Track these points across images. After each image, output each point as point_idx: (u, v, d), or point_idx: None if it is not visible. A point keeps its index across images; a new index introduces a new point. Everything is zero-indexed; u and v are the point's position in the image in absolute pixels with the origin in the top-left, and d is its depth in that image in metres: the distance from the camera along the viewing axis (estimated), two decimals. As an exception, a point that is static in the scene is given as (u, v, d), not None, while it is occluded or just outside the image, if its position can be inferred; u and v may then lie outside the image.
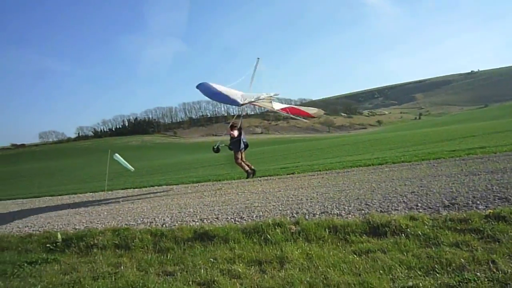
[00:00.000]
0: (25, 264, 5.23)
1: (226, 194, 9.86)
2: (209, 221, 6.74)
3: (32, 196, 17.30)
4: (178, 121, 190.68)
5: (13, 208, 13.63)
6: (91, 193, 15.64)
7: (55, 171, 48.63)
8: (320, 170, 12.65)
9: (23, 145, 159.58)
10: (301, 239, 4.84)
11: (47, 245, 6.21)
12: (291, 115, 13.86)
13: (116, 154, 13.31)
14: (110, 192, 15.27)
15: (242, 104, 10.83)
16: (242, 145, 11.93)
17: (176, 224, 6.73)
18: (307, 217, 5.93)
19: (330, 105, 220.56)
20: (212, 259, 4.51)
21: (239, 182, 12.39)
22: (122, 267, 4.63)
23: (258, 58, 12.70)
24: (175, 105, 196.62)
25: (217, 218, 6.89)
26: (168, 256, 4.89)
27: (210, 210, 7.76)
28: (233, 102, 10.89)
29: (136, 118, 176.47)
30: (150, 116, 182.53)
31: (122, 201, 11.67)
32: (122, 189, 15.83)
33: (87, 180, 27.13)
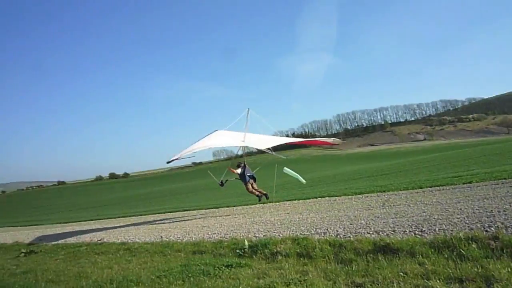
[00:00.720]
0: (223, 267, 5.95)
1: (396, 206, 9.39)
2: (385, 233, 6.51)
3: (212, 207, 19.61)
4: (333, 133, 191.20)
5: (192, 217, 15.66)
6: (261, 205, 16.88)
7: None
8: (505, 178, 10.95)
9: (200, 163, 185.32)
10: (505, 256, 4.24)
11: (237, 250, 6.95)
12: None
13: (286, 168, 14.09)
14: (277, 203, 16.21)
15: (173, 160, 13.35)
16: (247, 178, 14.53)
17: (351, 236, 6.70)
18: (505, 231, 5.18)
19: (507, 103, 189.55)
20: (401, 273, 4.33)
21: (407, 193, 11.70)
22: (310, 275, 4.85)
23: (248, 109, 15.22)
24: (330, 117, 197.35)
25: (393, 231, 6.60)
26: (353, 267, 4.90)
27: (383, 222, 7.49)
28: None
29: (294, 133, 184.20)
30: (307, 130, 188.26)
31: (290, 212, 12.26)
32: (287, 200, 16.64)
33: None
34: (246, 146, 15.37)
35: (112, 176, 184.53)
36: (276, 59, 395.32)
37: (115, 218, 23.25)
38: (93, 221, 23.81)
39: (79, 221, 25.42)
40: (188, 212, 19.11)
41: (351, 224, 7.95)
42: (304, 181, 14.13)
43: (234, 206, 18.00)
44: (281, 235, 7.87)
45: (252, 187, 14.69)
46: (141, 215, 22.40)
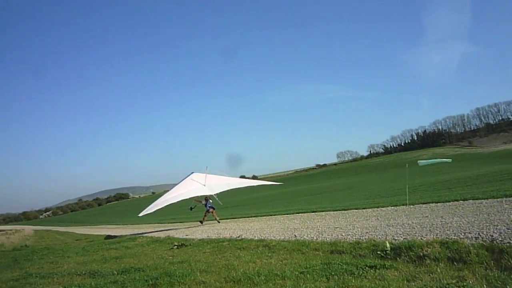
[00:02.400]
0: (366, 267, 5.89)
1: None
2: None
3: (340, 209, 19.41)
4: (472, 129, 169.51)
5: (317, 218, 15.66)
6: (392, 207, 16.10)
7: (350, 187, 53.17)
8: None
9: (325, 165, 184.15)
10: None
11: (378, 252, 6.78)
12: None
13: (420, 161, 13.38)
14: (411, 206, 15.27)
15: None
16: (208, 208, 21.72)
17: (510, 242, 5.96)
18: None
19: None
20: None
21: None
22: (468, 281, 4.49)
23: (207, 167, 22.93)
24: (467, 112, 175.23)
25: None
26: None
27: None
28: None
29: (425, 131, 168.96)
30: (440, 127, 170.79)
31: (429, 215, 11.43)
32: (422, 203, 15.54)
33: (382, 195, 28.09)
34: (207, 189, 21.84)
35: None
36: (399, 53, 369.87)
37: (247, 217, 24.71)
38: (228, 219, 25.71)
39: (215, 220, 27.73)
40: (315, 213, 19.24)
41: (508, 229, 7.06)
42: (449, 160, 13.24)
43: (364, 208, 17.52)
44: (424, 238, 7.41)
45: (208, 213, 21.93)
46: (270, 215, 23.35)
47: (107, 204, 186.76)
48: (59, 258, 13.85)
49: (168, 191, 22.87)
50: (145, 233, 23.62)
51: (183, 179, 22.88)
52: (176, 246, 12.49)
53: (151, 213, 21.59)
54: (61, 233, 49.44)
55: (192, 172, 23.06)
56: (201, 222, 22.04)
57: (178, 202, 21.61)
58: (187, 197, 21.34)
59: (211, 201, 21.60)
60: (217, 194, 21.98)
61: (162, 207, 21.44)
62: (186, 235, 16.55)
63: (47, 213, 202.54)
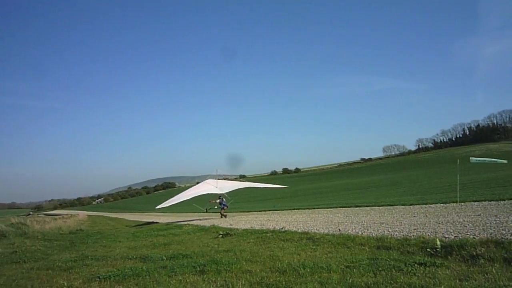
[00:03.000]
0: (415, 264, 5.75)
1: None
2: None
3: (386, 204, 18.97)
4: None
5: (366, 214, 15.37)
6: (441, 204, 15.52)
7: (397, 182, 51.58)
8: None
9: (370, 159, 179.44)
10: None
11: (427, 249, 6.60)
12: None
13: (472, 158, 12.83)
14: (462, 203, 14.63)
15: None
16: (222, 206, 24.86)
17: None
18: None
19: None
20: None
21: None
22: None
23: (217, 169, 29.64)
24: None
25: None
26: None
27: None
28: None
29: (478, 125, 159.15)
30: (495, 121, 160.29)
31: (482, 213, 10.93)
32: (474, 201, 14.85)
33: (430, 191, 27.07)
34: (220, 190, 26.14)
35: (285, 171, 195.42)
36: (452, 42, 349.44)
37: (290, 209, 24.79)
38: (271, 211, 25.94)
39: (259, 211, 28.08)
40: (360, 208, 18.94)
41: None
42: (505, 161, 12.63)
43: (411, 204, 17.01)
44: (477, 237, 7.11)
45: (223, 209, 24.94)
46: (313, 208, 23.29)
47: (155, 192, 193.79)
48: (111, 242, 14.66)
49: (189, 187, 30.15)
50: (191, 220, 24.46)
51: (199, 183, 30.10)
52: (221, 235, 12.81)
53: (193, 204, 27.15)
54: (111, 218, 52.02)
55: (207, 178, 29.83)
56: (223, 215, 24.72)
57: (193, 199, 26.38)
58: (201, 194, 26.66)
59: (224, 200, 25.39)
60: (226, 192, 26.46)
61: (177, 203, 27.12)
62: (230, 225, 16.90)
63: (99, 199, 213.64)
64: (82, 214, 69.36)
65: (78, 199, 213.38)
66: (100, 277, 7.09)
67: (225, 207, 25.09)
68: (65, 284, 6.77)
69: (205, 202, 27.77)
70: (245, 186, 29.40)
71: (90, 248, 13.08)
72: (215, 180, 27.53)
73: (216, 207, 26.21)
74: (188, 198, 26.08)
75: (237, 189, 27.88)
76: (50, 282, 7.09)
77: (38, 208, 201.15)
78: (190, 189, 28.66)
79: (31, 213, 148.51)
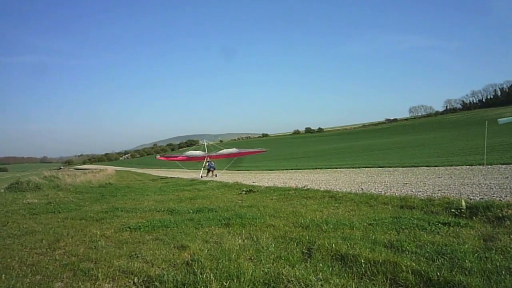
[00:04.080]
0: (439, 224, 5.78)
1: None
2: None
3: (409, 165, 18.78)
4: None
5: (387, 175, 15.29)
6: (468, 166, 15.26)
7: (422, 144, 50.60)
8: None
9: (395, 120, 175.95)
10: None
11: (452, 210, 6.58)
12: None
13: (500, 119, 12.44)
14: (489, 166, 14.35)
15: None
16: (209, 167, 28.31)
17: None
18: None
19: None
20: None
21: None
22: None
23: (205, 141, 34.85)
24: None
25: None
26: None
27: None
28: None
29: (511, 86, 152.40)
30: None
31: (510, 176, 10.72)
32: (503, 164, 14.53)
33: (456, 153, 26.52)
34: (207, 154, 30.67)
35: (308, 130, 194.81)
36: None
37: (312, 169, 24.92)
38: (293, 170, 26.15)
39: (281, 170, 28.36)
40: (383, 168, 18.84)
41: None
42: None
43: (436, 166, 16.78)
44: (504, 199, 7.03)
45: (211, 172, 27.92)
46: (336, 168, 23.33)
47: (180, 149, 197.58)
48: (139, 196, 15.24)
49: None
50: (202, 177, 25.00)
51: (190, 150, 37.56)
52: (244, 192, 13.10)
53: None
54: (138, 174, 53.71)
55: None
56: (201, 176, 27.27)
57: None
58: (191, 156, 32.70)
59: (212, 162, 28.61)
60: (212, 155, 30.68)
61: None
62: (253, 182, 17.22)
63: (126, 155, 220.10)
64: (110, 169, 71.77)
65: (106, 154, 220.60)
66: (131, 227, 7.46)
67: (213, 169, 28.11)
68: (98, 233, 7.16)
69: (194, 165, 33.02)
70: (228, 153, 31.09)
71: (119, 201, 13.66)
72: (205, 145, 32.88)
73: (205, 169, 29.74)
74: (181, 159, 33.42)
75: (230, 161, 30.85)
76: (84, 231, 7.51)
77: (68, 162, 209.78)
78: (184, 153, 35.44)
79: (62, 167, 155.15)
